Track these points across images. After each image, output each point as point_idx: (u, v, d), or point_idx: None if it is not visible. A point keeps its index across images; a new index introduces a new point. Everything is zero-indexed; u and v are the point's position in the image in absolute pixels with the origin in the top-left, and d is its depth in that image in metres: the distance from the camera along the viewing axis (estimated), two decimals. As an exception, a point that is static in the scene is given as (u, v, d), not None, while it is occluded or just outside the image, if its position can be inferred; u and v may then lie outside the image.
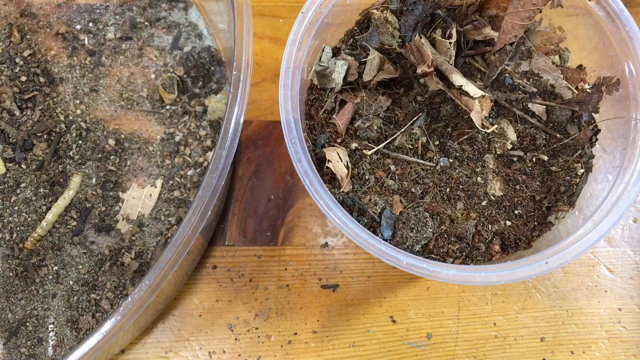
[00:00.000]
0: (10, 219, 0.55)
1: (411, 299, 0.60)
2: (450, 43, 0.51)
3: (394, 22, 0.53)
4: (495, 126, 0.50)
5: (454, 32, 0.51)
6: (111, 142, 0.59)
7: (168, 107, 0.61)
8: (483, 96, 0.47)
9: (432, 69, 0.48)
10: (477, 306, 0.60)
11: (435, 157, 0.51)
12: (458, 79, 0.48)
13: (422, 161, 0.51)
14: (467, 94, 0.48)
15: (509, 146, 0.51)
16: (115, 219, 0.57)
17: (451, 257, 0.49)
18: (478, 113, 0.47)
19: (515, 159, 0.52)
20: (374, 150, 0.51)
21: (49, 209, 0.55)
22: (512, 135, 0.51)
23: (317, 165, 0.48)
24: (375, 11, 0.53)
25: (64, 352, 0.53)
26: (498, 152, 0.51)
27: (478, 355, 0.59)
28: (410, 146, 0.51)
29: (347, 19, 0.56)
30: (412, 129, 0.52)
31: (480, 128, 0.47)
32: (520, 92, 0.52)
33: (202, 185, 0.45)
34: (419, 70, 0.49)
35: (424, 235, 0.48)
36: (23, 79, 0.59)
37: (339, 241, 0.62)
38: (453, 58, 0.51)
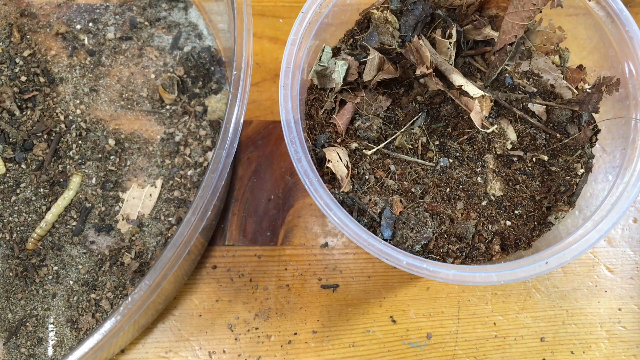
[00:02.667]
0: (10, 219, 0.55)
1: (411, 299, 0.60)
2: (450, 43, 0.51)
3: (394, 22, 0.53)
4: (495, 126, 0.50)
5: (453, 32, 0.51)
6: (111, 142, 0.59)
7: (168, 107, 0.61)
8: (483, 96, 0.47)
9: (431, 70, 0.48)
10: (477, 306, 0.60)
11: (435, 157, 0.51)
12: (458, 79, 0.48)
13: (422, 161, 0.51)
14: (467, 94, 0.48)
15: (509, 146, 0.51)
16: (115, 219, 0.57)
17: (451, 257, 0.49)
18: (478, 113, 0.47)
19: (515, 159, 0.52)
20: (374, 150, 0.51)
21: (49, 209, 0.55)
22: (512, 135, 0.51)
23: (317, 165, 0.48)
24: (375, 11, 0.53)
25: (64, 352, 0.53)
26: (498, 152, 0.51)
27: (478, 355, 0.58)
28: (410, 146, 0.51)
29: (347, 19, 0.56)
30: (412, 129, 0.52)
31: (480, 128, 0.47)
32: (520, 92, 0.52)
33: (202, 185, 0.45)
34: (418, 72, 0.49)
35: (424, 235, 0.48)
36: (23, 79, 0.59)
37: (339, 241, 0.62)
38: (453, 58, 0.51)
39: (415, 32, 0.52)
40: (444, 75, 0.50)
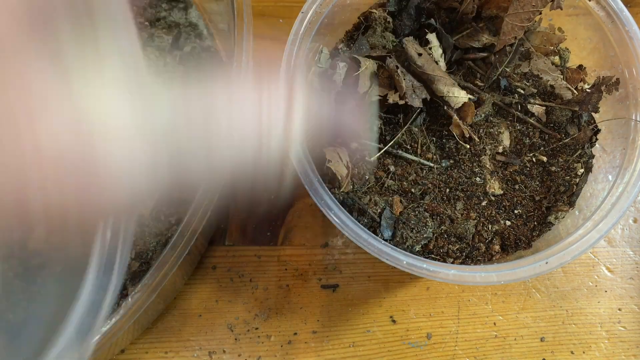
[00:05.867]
0: (11, 219, 0.55)
1: (411, 299, 0.60)
2: (441, 55, 0.51)
3: (390, 26, 0.53)
4: (475, 137, 0.50)
5: (434, 38, 0.51)
6: (111, 142, 0.59)
7: (168, 107, 0.61)
8: (466, 102, 0.47)
9: (402, 101, 0.48)
10: (477, 306, 0.60)
11: (434, 158, 0.51)
12: (440, 88, 0.48)
13: (422, 161, 0.51)
14: (448, 103, 0.48)
15: (500, 150, 0.51)
16: (115, 219, 0.57)
17: (451, 257, 0.49)
18: (458, 125, 0.47)
19: (508, 163, 0.52)
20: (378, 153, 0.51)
21: (49, 209, 0.55)
22: (506, 140, 0.51)
23: (317, 165, 0.48)
24: (375, 10, 0.53)
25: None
26: (489, 156, 0.51)
27: (478, 355, 0.58)
28: (409, 146, 0.52)
29: (347, 19, 0.56)
30: (412, 129, 0.52)
31: (460, 140, 0.47)
32: (519, 93, 0.52)
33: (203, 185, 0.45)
34: (390, 99, 0.48)
35: (424, 235, 0.48)
36: (23, 79, 0.59)
37: (339, 241, 0.62)
38: (442, 63, 0.51)
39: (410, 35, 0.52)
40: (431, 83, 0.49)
